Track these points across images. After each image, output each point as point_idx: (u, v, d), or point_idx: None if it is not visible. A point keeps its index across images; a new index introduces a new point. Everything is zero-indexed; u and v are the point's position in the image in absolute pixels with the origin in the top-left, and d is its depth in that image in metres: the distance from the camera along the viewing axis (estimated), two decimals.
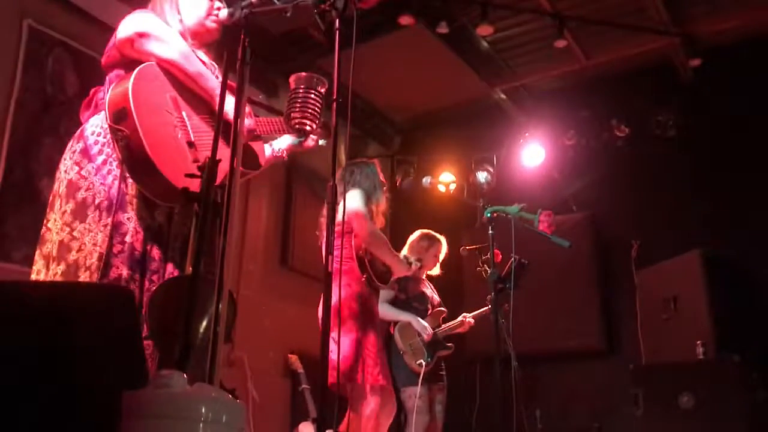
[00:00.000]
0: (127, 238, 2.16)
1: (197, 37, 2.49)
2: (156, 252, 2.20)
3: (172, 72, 2.26)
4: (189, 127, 2.21)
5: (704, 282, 4.84)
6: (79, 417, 1.39)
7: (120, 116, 2.11)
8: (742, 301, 4.95)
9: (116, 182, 2.19)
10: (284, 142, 2.77)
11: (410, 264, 3.77)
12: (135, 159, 2.10)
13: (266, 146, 2.64)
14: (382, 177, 3.78)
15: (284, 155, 2.77)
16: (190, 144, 2.15)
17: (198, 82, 2.30)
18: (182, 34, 2.43)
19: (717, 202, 5.27)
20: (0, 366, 1.36)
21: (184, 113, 2.23)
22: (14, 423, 1.34)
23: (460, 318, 4.66)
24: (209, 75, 2.34)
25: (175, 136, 2.17)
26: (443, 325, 4.61)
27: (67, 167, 2.27)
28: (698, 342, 4.55)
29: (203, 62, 2.44)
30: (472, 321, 4.65)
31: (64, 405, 1.38)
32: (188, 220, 2.22)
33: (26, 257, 3.67)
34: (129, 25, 2.26)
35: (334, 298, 2.19)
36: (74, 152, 2.28)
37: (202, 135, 2.27)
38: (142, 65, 2.20)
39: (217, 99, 2.17)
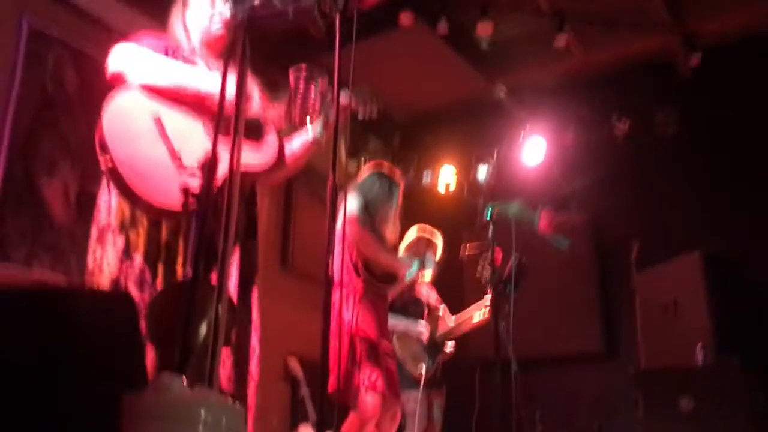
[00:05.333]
0: (139, 258, 2.22)
1: (210, 47, 2.52)
2: (161, 268, 2.23)
3: (154, 91, 2.30)
4: (172, 139, 2.24)
5: (704, 284, 4.83)
6: (80, 420, 1.39)
7: (102, 148, 2.18)
8: (743, 304, 4.95)
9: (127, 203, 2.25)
10: (306, 134, 2.63)
11: (423, 264, 3.76)
12: (119, 185, 2.18)
13: (295, 140, 2.61)
14: (399, 200, 3.79)
15: (320, 143, 2.62)
16: (173, 156, 2.20)
17: (183, 93, 2.32)
18: (192, 50, 2.48)
19: (717, 203, 5.26)
20: (1, 370, 1.36)
21: (169, 130, 2.25)
22: (15, 427, 1.34)
23: (486, 298, 4.43)
24: (195, 78, 2.35)
25: (154, 155, 2.20)
26: (468, 311, 4.54)
27: (100, 195, 2.35)
28: (698, 345, 4.54)
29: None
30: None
31: (65, 408, 1.38)
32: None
33: (26, 257, 3.67)
34: (110, 63, 2.34)
35: (335, 302, 2.18)
36: (104, 179, 2.34)
37: (197, 137, 2.30)
38: (117, 94, 2.26)
39: (209, 97, 2.30)
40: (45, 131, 3.84)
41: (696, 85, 5.59)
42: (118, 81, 2.31)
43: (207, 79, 2.36)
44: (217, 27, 2.46)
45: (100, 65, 2.40)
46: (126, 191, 2.17)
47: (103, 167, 2.21)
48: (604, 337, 5.68)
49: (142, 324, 1.91)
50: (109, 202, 2.29)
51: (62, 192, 3.86)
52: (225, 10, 2.40)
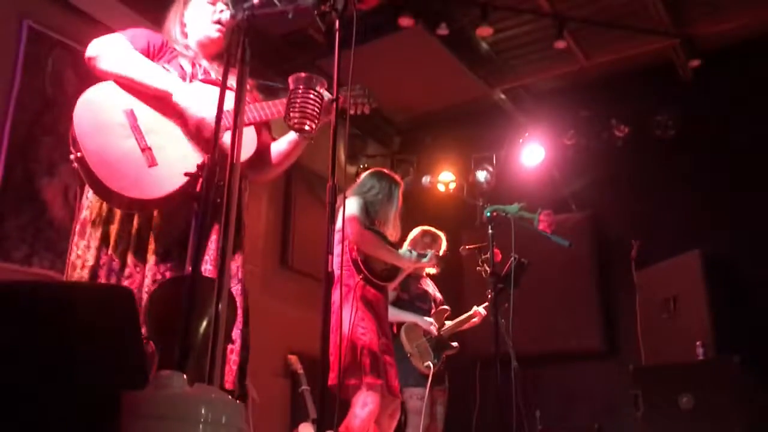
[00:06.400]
0: (110, 250, 2.25)
1: (205, 48, 2.53)
2: (131, 259, 2.24)
3: (126, 84, 2.32)
4: (143, 132, 2.25)
5: (704, 282, 4.84)
6: (79, 417, 1.39)
7: (72, 141, 2.19)
8: (742, 302, 4.96)
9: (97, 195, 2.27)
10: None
11: (425, 257, 3.80)
12: (90, 179, 2.18)
13: (283, 138, 2.60)
14: (399, 201, 3.81)
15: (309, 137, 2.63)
16: (144, 149, 2.21)
17: (149, 87, 2.33)
18: (186, 48, 2.49)
19: (717, 202, 5.27)
20: (0, 365, 1.36)
21: (141, 123, 2.27)
22: (14, 423, 1.34)
23: (473, 310, 4.63)
24: (160, 77, 2.35)
25: (124, 148, 2.21)
26: (456, 319, 4.59)
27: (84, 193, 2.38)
28: (698, 342, 4.55)
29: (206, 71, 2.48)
30: (485, 312, 4.62)
31: (64, 405, 1.38)
32: (172, 225, 2.25)
33: (26, 257, 3.68)
34: (87, 49, 2.36)
35: (336, 301, 2.19)
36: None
37: (166, 133, 2.31)
38: (90, 88, 2.28)
39: (165, 96, 2.31)
40: (45, 132, 3.85)
41: (696, 88, 5.60)
42: (91, 68, 2.34)
43: (167, 78, 2.37)
44: (216, 30, 2.47)
45: None
46: (95, 182, 2.16)
47: (72, 159, 2.21)
48: (604, 334, 5.69)
49: (142, 320, 1.92)
50: (86, 197, 2.32)
51: (62, 192, 3.87)
52: (225, 11, 2.41)
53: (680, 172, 5.51)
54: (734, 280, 5.04)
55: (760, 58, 5.26)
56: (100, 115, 2.24)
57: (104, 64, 2.31)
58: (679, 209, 5.44)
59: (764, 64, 5.23)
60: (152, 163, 2.21)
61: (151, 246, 2.25)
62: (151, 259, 2.23)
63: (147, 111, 2.31)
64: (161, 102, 2.34)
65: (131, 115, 2.27)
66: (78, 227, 2.32)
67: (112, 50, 2.34)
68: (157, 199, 2.19)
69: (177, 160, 2.20)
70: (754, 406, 4.16)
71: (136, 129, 2.25)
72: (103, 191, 2.18)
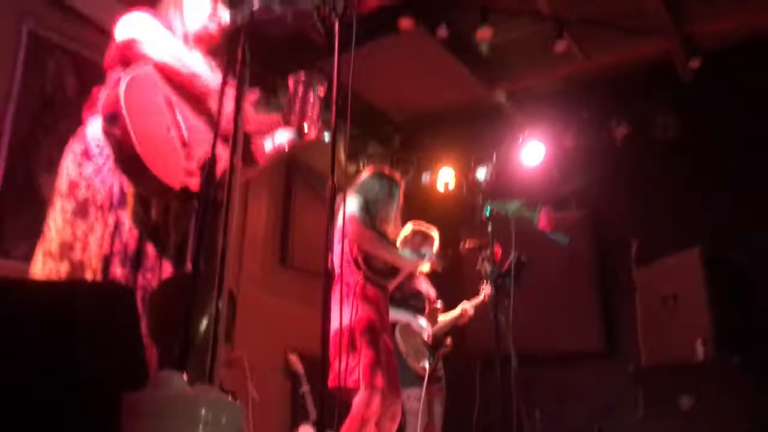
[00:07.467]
0: (124, 237, 2.20)
1: (199, 41, 2.50)
2: (151, 249, 2.21)
3: (166, 74, 2.27)
4: (183, 127, 2.22)
5: (704, 281, 4.84)
6: (79, 416, 1.40)
7: (112, 117, 2.12)
8: (742, 301, 4.96)
9: (115, 181, 2.22)
10: (285, 136, 2.67)
11: (423, 256, 3.81)
12: (127, 158, 2.12)
13: (267, 141, 2.63)
14: (400, 200, 3.82)
15: (285, 148, 2.67)
16: (184, 143, 2.18)
17: (192, 83, 2.31)
18: (184, 37, 2.46)
19: (717, 202, 5.27)
20: (0, 364, 1.37)
21: (178, 113, 2.24)
22: (15, 422, 1.35)
23: (459, 308, 4.63)
24: (206, 75, 2.34)
25: (167, 136, 2.18)
26: (442, 320, 4.60)
27: (68, 167, 2.30)
28: (698, 342, 4.55)
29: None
30: (472, 311, 4.62)
31: (64, 404, 1.39)
32: (185, 218, 2.25)
33: (26, 255, 3.68)
34: (124, 29, 2.28)
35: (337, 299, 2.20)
36: (75, 153, 2.30)
37: (198, 134, 2.29)
38: (137, 68, 2.21)
39: (212, 98, 2.27)
40: (45, 133, 3.86)
41: (696, 88, 5.60)
42: (129, 50, 2.25)
43: (212, 76, 2.34)
44: (213, 27, 2.46)
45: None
46: (134, 163, 2.09)
47: (107, 137, 2.15)
48: (604, 333, 5.70)
49: (142, 319, 1.92)
50: (79, 174, 2.25)
51: None
52: (224, 14, 2.41)
53: (680, 172, 5.51)
54: (734, 279, 5.04)
55: (760, 58, 5.26)
56: (147, 97, 2.19)
57: (151, 50, 2.24)
58: (679, 209, 5.44)
59: (764, 64, 5.23)
60: (190, 158, 2.19)
61: (170, 239, 2.24)
62: (171, 251, 2.23)
63: (181, 104, 2.28)
64: (197, 100, 2.31)
65: (170, 105, 2.23)
66: (73, 204, 2.23)
67: (157, 35, 2.27)
68: (188, 194, 2.17)
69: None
70: (754, 406, 4.16)
71: (174, 120, 2.22)
72: (137, 171, 2.11)
